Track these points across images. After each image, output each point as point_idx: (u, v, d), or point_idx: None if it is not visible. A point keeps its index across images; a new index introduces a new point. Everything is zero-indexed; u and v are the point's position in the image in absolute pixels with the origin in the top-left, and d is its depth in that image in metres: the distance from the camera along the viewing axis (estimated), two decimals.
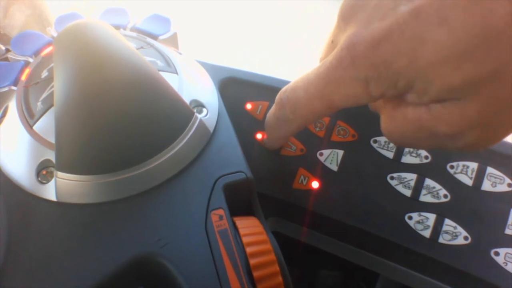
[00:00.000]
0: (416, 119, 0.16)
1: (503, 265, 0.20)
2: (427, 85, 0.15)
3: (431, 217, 0.22)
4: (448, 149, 0.17)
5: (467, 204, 0.21)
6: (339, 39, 0.18)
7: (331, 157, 0.24)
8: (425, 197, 0.22)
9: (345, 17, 0.17)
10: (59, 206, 0.18)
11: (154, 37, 0.27)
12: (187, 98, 0.21)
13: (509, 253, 0.20)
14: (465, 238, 0.21)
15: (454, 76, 0.14)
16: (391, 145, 0.23)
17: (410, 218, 0.22)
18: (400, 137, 0.17)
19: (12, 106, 0.21)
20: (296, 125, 0.21)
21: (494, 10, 0.13)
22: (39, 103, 0.20)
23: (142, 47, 0.24)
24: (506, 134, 0.16)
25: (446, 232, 0.21)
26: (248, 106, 0.26)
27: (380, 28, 0.15)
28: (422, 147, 0.18)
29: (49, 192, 0.19)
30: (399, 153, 0.23)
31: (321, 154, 0.24)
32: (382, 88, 0.16)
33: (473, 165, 0.22)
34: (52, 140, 0.19)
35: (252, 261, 0.17)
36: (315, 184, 0.23)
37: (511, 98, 0.14)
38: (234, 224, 0.18)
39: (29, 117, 0.20)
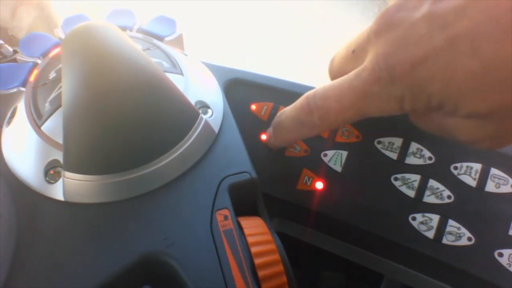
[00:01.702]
0: (439, 124, 0.18)
1: (507, 266, 0.20)
2: (457, 107, 0.16)
3: (435, 218, 0.22)
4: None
5: (471, 205, 0.21)
6: (365, 51, 0.19)
7: (335, 158, 0.24)
8: (428, 198, 0.22)
9: (379, 32, 0.18)
10: (66, 205, 0.19)
11: (160, 38, 0.27)
12: (192, 99, 0.22)
13: None
14: (469, 239, 0.21)
15: (481, 104, 0.15)
16: (395, 146, 0.24)
17: (414, 219, 0.22)
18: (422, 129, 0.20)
19: (21, 107, 0.21)
20: (320, 130, 0.21)
21: None
22: (47, 104, 0.21)
23: (148, 49, 0.24)
24: None
25: (450, 233, 0.21)
26: (253, 107, 0.26)
27: (417, 54, 0.16)
28: (440, 136, 0.20)
29: (57, 192, 0.19)
30: (403, 154, 0.23)
31: (325, 155, 0.24)
32: (415, 105, 0.17)
33: (477, 166, 0.22)
34: (60, 140, 0.19)
35: (257, 261, 0.17)
36: (319, 185, 0.23)
37: None
38: (239, 224, 0.18)
39: (37, 118, 0.20)
